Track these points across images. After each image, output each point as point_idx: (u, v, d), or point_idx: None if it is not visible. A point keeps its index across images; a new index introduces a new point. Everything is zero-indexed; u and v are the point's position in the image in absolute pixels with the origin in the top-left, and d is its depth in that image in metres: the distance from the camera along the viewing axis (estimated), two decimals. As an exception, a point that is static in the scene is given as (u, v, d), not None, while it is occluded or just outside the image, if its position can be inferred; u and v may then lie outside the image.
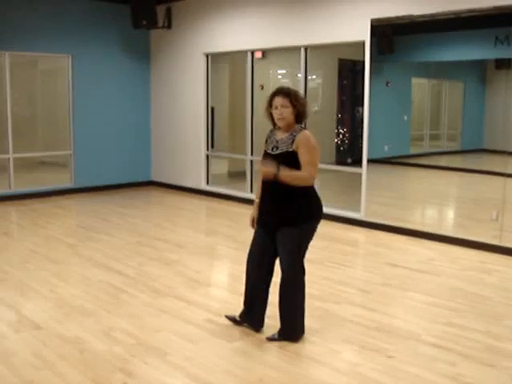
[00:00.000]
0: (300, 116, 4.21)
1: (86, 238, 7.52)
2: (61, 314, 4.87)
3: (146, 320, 4.73)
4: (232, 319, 4.64)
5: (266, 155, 4.23)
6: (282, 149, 4.13)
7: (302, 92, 8.89)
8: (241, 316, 4.60)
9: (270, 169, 4.05)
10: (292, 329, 4.37)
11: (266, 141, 4.34)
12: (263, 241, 4.36)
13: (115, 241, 7.33)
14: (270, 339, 4.33)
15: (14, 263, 6.41)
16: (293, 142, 4.10)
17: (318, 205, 4.27)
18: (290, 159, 4.08)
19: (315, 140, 4.15)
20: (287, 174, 4.04)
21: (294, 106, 4.14)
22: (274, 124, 4.29)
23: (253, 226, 4.47)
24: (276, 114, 4.16)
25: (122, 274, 5.93)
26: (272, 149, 4.21)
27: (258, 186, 4.41)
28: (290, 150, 4.09)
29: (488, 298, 5.36)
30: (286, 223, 4.17)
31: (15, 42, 9.77)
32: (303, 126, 4.33)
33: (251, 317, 4.53)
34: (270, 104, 4.22)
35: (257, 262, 4.43)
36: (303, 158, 4.06)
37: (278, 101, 4.15)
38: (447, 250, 6.99)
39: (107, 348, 4.18)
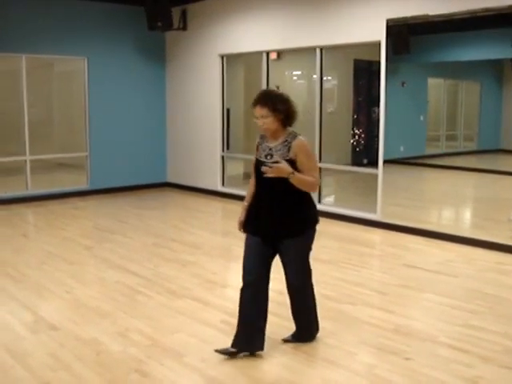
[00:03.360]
0: (287, 120, 3.99)
1: (102, 240, 7.55)
2: (77, 315, 4.89)
3: (162, 321, 4.74)
4: (225, 353, 4.09)
5: (260, 163, 3.98)
6: (278, 157, 3.93)
7: (318, 92, 8.88)
8: (234, 344, 4.09)
9: (287, 167, 3.84)
10: (308, 331, 4.35)
11: (257, 148, 4.14)
12: (262, 251, 4.11)
13: (131, 242, 7.35)
14: (286, 340, 4.31)
15: (30, 264, 6.45)
16: (289, 149, 3.92)
17: (315, 210, 4.20)
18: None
19: (310, 145, 4.07)
20: (301, 177, 3.88)
21: (275, 114, 3.91)
22: None
23: (240, 229, 4.27)
24: (259, 124, 3.99)
25: (138, 276, 5.95)
26: (266, 157, 4.00)
27: (250, 190, 4.22)
28: (287, 158, 3.90)
29: (506, 299, 5.31)
30: (290, 235, 4.03)
31: (31, 45, 9.83)
32: (291, 128, 4.06)
33: (252, 338, 4.11)
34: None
35: (258, 274, 4.12)
36: (305, 165, 3.91)
37: (258, 111, 3.94)
38: (464, 251, 6.93)
39: (123, 349, 4.18)
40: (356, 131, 13.54)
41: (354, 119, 13.67)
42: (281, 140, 3.99)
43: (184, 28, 10.85)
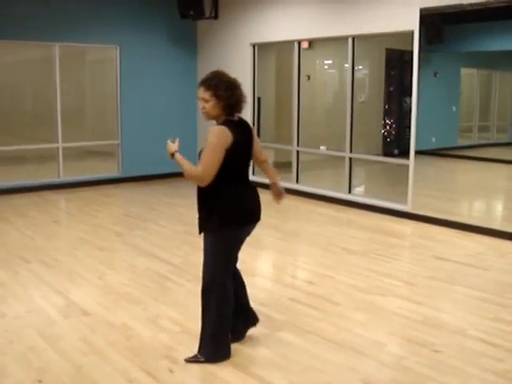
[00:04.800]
0: (230, 108, 3.70)
1: (133, 227, 7.63)
2: (108, 300, 4.96)
3: (192, 308, 4.76)
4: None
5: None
6: (203, 146, 3.68)
7: (349, 81, 8.83)
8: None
9: (171, 146, 3.79)
10: (202, 344, 3.92)
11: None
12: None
13: (162, 230, 7.42)
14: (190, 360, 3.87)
15: (63, 250, 6.55)
16: None
17: (236, 207, 3.73)
18: None
19: (223, 137, 3.61)
20: (180, 161, 3.68)
21: (217, 100, 3.66)
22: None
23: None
24: (199, 106, 3.77)
25: (168, 263, 6.00)
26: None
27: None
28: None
29: (538, 293, 5.26)
30: (203, 229, 3.80)
31: (65, 34, 9.94)
32: (237, 116, 3.81)
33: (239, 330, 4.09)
34: None
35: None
36: (203, 153, 3.62)
37: (200, 93, 3.72)
38: (495, 244, 6.86)
39: (153, 335, 4.24)
40: (387, 121, 13.44)
41: (385, 109, 13.57)
42: None
43: (215, 17, 10.86)
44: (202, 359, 3.81)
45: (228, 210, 3.69)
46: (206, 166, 3.55)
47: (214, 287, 3.78)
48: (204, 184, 3.60)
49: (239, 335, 4.10)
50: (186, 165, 3.62)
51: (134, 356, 3.91)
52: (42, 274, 5.64)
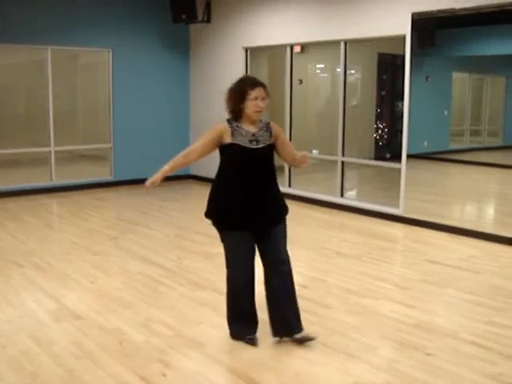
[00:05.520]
0: None
1: (125, 231, 7.62)
2: (101, 304, 4.94)
3: (185, 312, 4.78)
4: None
5: (246, 150, 3.96)
6: (265, 142, 4.02)
7: (341, 85, 8.86)
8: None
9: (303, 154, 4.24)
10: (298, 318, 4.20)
11: (232, 133, 3.98)
12: (252, 244, 4.10)
13: (155, 234, 7.41)
14: (301, 340, 4.14)
15: (55, 254, 6.53)
16: (270, 134, 4.06)
17: None
18: (272, 151, 4.10)
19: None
20: (304, 154, 4.24)
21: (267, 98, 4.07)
22: (236, 116, 4.06)
23: (148, 186, 4.30)
24: (255, 106, 3.94)
25: (161, 267, 5.99)
26: (251, 142, 3.97)
27: (183, 158, 4.21)
28: (271, 143, 4.06)
29: (529, 296, 5.28)
30: (283, 216, 4.18)
31: (57, 37, 9.92)
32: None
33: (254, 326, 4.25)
34: (243, 95, 3.95)
35: (252, 267, 4.14)
36: (287, 143, 4.23)
37: (262, 92, 3.98)
38: (487, 248, 6.89)
39: (146, 339, 4.23)
40: (379, 125, 13.49)
41: (377, 113, 13.62)
42: (260, 125, 4.07)
43: (208, 20, 10.86)
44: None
45: None
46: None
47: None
48: None
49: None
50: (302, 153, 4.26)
51: (127, 360, 3.90)
52: (34, 278, 5.62)
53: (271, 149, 4.07)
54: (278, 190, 4.18)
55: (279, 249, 4.09)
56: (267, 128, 4.06)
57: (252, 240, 4.06)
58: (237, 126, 4.02)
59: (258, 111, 3.96)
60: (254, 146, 3.98)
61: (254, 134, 3.99)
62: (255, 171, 4.01)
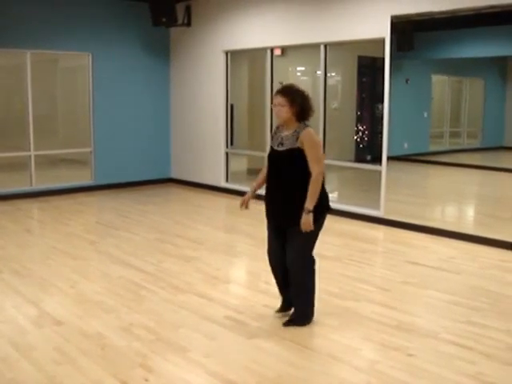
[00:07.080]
0: (301, 114, 4.34)
1: (106, 235, 7.58)
2: (81, 309, 4.91)
3: (166, 316, 4.76)
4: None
5: (273, 152, 4.44)
6: (287, 146, 4.29)
7: (322, 88, 8.89)
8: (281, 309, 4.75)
9: (304, 217, 4.24)
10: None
11: (272, 137, 4.52)
12: (278, 235, 4.55)
13: (135, 238, 7.38)
14: (286, 324, 4.53)
15: (35, 259, 6.48)
16: (297, 139, 4.26)
17: (324, 196, 4.42)
18: (295, 155, 4.26)
19: (317, 137, 4.47)
20: (311, 200, 4.22)
21: (291, 105, 4.27)
22: None
23: (241, 206, 4.70)
24: (274, 111, 4.42)
25: (141, 271, 5.97)
26: (278, 145, 4.38)
27: (262, 174, 4.62)
28: (295, 146, 4.25)
29: (509, 296, 5.33)
30: (293, 223, 4.34)
31: (36, 41, 9.84)
32: (307, 123, 4.41)
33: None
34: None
35: (278, 256, 4.55)
36: (308, 154, 4.25)
37: (277, 99, 4.33)
38: (468, 249, 6.94)
39: (127, 344, 4.21)
40: (360, 128, 13.56)
41: (357, 116, 13.68)
42: (293, 130, 4.32)
43: (188, 24, 10.86)
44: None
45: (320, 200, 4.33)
46: (317, 163, 4.24)
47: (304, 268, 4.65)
48: (322, 180, 4.29)
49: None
50: (310, 192, 4.24)
51: (108, 365, 3.88)
52: (13, 284, 5.57)
53: (294, 152, 4.27)
54: (298, 196, 4.26)
55: (288, 254, 4.47)
56: (296, 133, 4.28)
57: (277, 232, 4.52)
58: (276, 129, 4.51)
59: (276, 116, 4.42)
60: (278, 148, 4.38)
61: (282, 137, 4.37)
62: (274, 171, 4.40)
